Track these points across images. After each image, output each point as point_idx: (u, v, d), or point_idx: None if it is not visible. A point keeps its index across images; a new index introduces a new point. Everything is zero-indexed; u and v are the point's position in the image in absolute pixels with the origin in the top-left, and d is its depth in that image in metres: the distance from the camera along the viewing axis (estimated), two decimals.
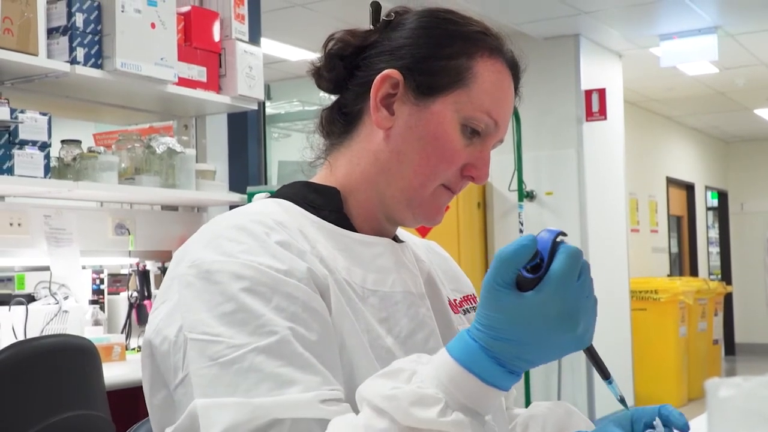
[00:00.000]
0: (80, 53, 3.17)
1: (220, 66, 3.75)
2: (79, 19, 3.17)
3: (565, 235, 0.90)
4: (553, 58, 6.70)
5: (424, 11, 1.18)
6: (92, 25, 3.21)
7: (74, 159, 3.35)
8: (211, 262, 1.01)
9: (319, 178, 1.21)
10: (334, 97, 1.23)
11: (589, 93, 6.80)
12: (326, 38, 1.20)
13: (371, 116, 1.16)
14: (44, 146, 3.10)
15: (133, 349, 3.55)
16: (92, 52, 3.21)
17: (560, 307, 0.87)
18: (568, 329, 0.88)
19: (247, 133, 4.58)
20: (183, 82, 3.54)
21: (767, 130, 11.28)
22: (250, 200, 3.76)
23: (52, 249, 3.35)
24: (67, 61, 3.16)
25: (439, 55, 1.14)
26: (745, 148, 12.11)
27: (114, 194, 3.54)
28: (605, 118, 6.82)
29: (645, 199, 9.49)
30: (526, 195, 6.70)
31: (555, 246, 0.88)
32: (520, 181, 6.59)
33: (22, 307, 3.15)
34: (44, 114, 3.12)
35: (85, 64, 3.18)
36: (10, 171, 3.01)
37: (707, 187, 11.69)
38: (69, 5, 3.16)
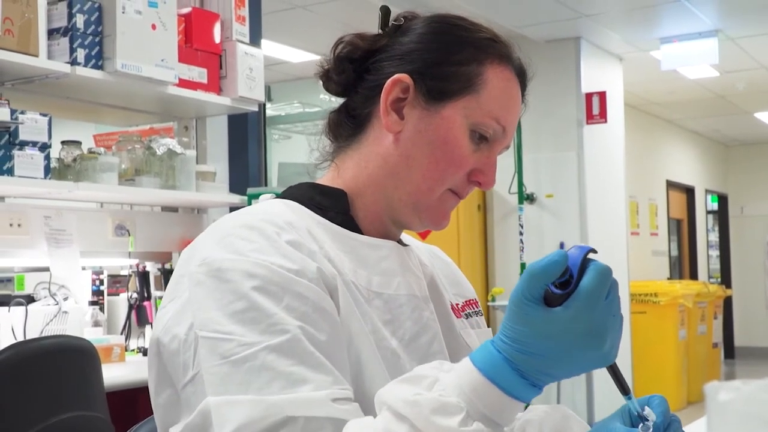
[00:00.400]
0: (81, 54, 3.17)
1: (221, 67, 3.75)
2: (79, 20, 3.17)
3: (594, 251, 0.90)
4: (554, 61, 6.70)
5: (434, 17, 1.19)
6: (93, 26, 3.21)
7: (74, 160, 3.35)
8: (221, 260, 1.02)
9: (326, 179, 1.21)
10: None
11: (589, 96, 6.81)
12: (335, 41, 1.21)
13: (380, 120, 1.16)
14: (44, 147, 3.10)
15: (133, 350, 3.55)
16: (93, 53, 3.21)
17: (588, 324, 0.88)
18: (596, 347, 0.89)
19: (247, 134, 4.58)
20: (183, 83, 3.54)
21: (767, 134, 11.28)
22: (250, 202, 3.78)
23: (51, 250, 3.35)
24: (68, 62, 3.16)
25: (450, 61, 1.15)
26: (746, 152, 12.12)
27: (114, 195, 3.54)
28: (606, 121, 6.82)
29: (645, 202, 9.49)
30: (526, 198, 6.70)
31: (585, 262, 0.89)
32: (521, 184, 6.59)
33: (22, 308, 3.14)
34: (44, 115, 3.12)
35: (85, 65, 3.18)
36: (10, 172, 3.01)
37: (707, 191, 11.69)
38: (70, 6, 3.16)
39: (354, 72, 1.19)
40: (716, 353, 8.95)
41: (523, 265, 6.52)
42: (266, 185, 5.00)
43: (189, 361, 1.01)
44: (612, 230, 7.14)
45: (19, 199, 3.48)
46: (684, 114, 10.01)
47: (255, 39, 4.21)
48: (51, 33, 3.18)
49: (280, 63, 7.02)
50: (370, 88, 1.18)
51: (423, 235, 5.03)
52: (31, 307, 3.19)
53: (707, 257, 11.71)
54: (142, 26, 3.30)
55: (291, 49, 6.73)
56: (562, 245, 6.71)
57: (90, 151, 3.44)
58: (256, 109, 4.00)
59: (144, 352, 3.50)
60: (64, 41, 3.17)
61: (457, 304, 1.28)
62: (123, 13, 3.24)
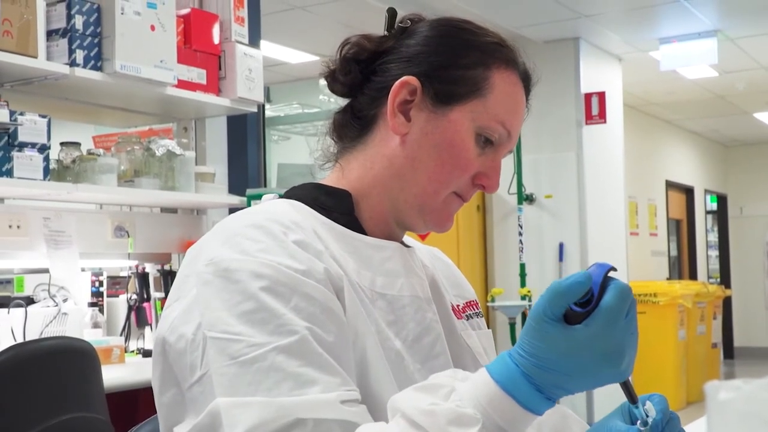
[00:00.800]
0: (80, 55, 3.17)
1: (220, 68, 3.75)
2: (78, 21, 3.17)
3: (615, 270, 0.91)
4: (553, 61, 6.70)
5: (441, 20, 1.20)
6: (92, 28, 3.21)
7: (73, 161, 3.34)
8: (229, 260, 1.02)
9: (330, 180, 1.22)
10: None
11: (588, 96, 6.81)
12: (341, 42, 1.21)
13: (386, 121, 1.17)
14: (43, 148, 3.10)
15: (133, 351, 3.55)
16: (92, 54, 3.21)
17: (608, 343, 0.89)
18: (614, 364, 0.90)
19: (246, 135, 4.58)
20: (182, 84, 3.54)
21: (767, 134, 11.28)
22: (249, 203, 3.78)
23: (51, 251, 3.35)
24: (67, 64, 3.15)
25: (457, 65, 1.15)
26: (745, 152, 12.12)
27: (113, 197, 3.54)
28: (605, 122, 6.83)
29: (644, 203, 9.49)
30: (525, 198, 6.70)
31: (605, 281, 0.89)
32: (520, 184, 6.59)
33: (21, 310, 3.14)
34: (43, 116, 3.11)
35: (84, 67, 3.18)
36: (9, 173, 3.00)
37: (706, 191, 11.69)
38: (68, 7, 3.16)
39: (360, 73, 1.19)
40: (716, 353, 8.95)
41: (522, 266, 6.53)
42: (265, 186, 5.00)
43: (197, 361, 1.01)
44: (611, 230, 7.14)
45: (19, 201, 3.47)
46: (683, 114, 10.02)
47: (254, 40, 4.21)
48: (50, 34, 3.18)
49: (279, 64, 7.02)
50: (377, 90, 1.18)
51: (423, 236, 5.03)
52: (31, 308, 3.18)
53: (706, 257, 11.71)
54: (141, 27, 3.29)
55: (290, 50, 6.74)
56: (561, 246, 6.72)
57: (89, 153, 3.43)
58: (255, 110, 4.00)
59: (144, 353, 3.50)
60: (63, 42, 3.17)
61: (457, 306, 1.28)
62: (122, 14, 3.23)
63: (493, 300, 6.39)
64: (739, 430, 0.61)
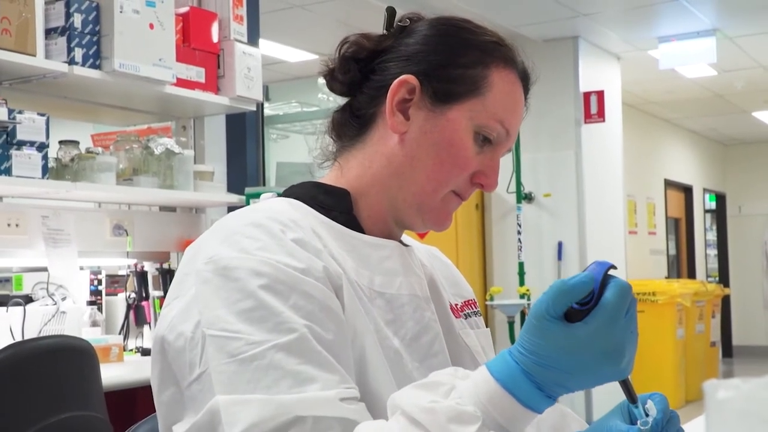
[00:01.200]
0: (78, 54, 3.17)
1: (219, 67, 3.75)
2: (77, 20, 3.16)
3: (615, 268, 0.91)
4: (552, 60, 6.70)
5: (439, 19, 1.20)
6: (90, 26, 3.21)
7: (72, 160, 3.34)
8: (228, 258, 1.02)
9: (329, 179, 1.22)
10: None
11: (587, 95, 6.81)
12: (340, 41, 1.21)
13: (385, 120, 1.17)
14: (42, 147, 3.10)
15: (131, 350, 3.55)
16: (90, 52, 3.21)
17: (608, 340, 0.89)
18: (614, 362, 0.90)
19: (245, 134, 4.58)
20: (181, 82, 3.54)
21: (765, 133, 11.28)
22: (248, 201, 3.78)
23: (49, 250, 3.35)
24: (65, 62, 3.15)
25: (456, 64, 1.15)
26: (744, 151, 12.12)
27: (112, 195, 3.54)
28: (604, 121, 6.83)
29: (643, 201, 9.49)
30: (524, 197, 6.70)
31: (605, 279, 0.90)
32: (519, 183, 6.59)
33: (20, 308, 3.14)
34: (42, 114, 3.11)
35: (83, 65, 3.18)
36: (7, 172, 3.00)
37: (705, 190, 11.70)
38: (67, 6, 3.16)
39: (359, 72, 1.20)
40: (714, 352, 8.96)
41: (521, 265, 6.53)
42: (264, 185, 5.00)
43: (195, 359, 1.01)
44: (610, 229, 7.15)
45: (17, 199, 3.47)
46: (682, 113, 10.02)
47: (253, 38, 4.20)
48: (48, 32, 3.18)
49: (278, 62, 7.02)
50: (376, 89, 1.18)
51: (422, 235, 5.03)
52: (29, 307, 3.18)
53: (705, 256, 11.72)
54: (139, 26, 3.29)
55: (289, 48, 6.73)
56: (560, 245, 6.72)
57: (88, 151, 3.43)
58: (254, 108, 4.00)
59: (142, 351, 3.50)
60: (62, 41, 3.16)
61: (456, 305, 1.28)
62: (121, 12, 3.23)
63: (492, 299, 6.39)
64: (737, 428, 0.61)
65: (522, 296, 6.27)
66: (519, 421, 0.90)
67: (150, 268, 3.68)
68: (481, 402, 0.89)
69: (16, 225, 3.28)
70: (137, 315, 3.60)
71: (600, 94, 6.80)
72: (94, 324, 3.39)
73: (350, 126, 1.21)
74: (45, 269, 3.36)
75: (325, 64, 1.22)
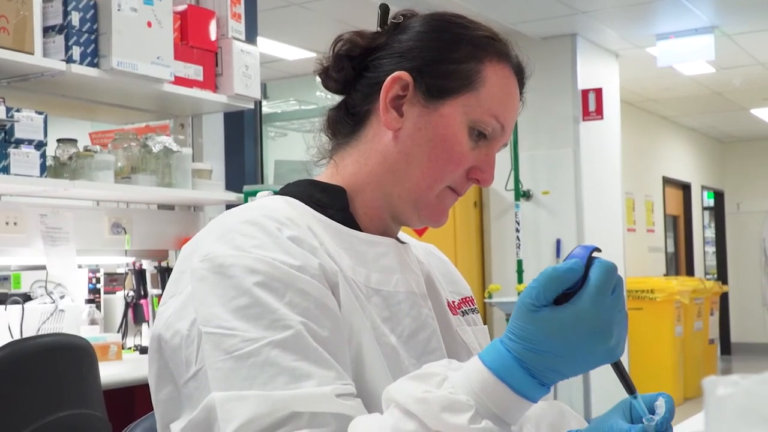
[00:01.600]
0: (76, 52, 3.16)
1: (217, 65, 3.75)
2: (75, 18, 3.16)
3: (599, 250, 0.92)
4: (550, 57, 6.70)
5: (433, 15, 1.20)
6: (88, 24, 3.21)
7: (70, 158, 3.34)
8: (224, 256, 1.02)
9: (325, 176, 1.22)
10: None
11: (585, 92, 6.81)
12: (334, 39, 1.21)
13: (379, 117, 1.17)
14: (40, 145, 3.10)
15: (130, 348, 3.55)
16: (88, 50, 3.21)
17: (595, 320, 0.90)
18: (602, 342, 0.91)
19: (243, 132, 4.58)
20: (179, 81, 3.53)
21: (764, 130, 11.29)
22: (246, 199, 3.78)
23: (48, 248, 3.35)
24: (63, 60, 3.15)
25: (449, 59, 1.15)
26: (742, 148, 12.13)
27: (110, 193, 3.54)
28: (602, 118, 6.83)
29: (641, 199, 9.49)
30: (522, 194, 6.70)
31: (590, 261, 0.91)
32: (517, 181, 6.59)
33: (18, 306, 3.14)
34: (40, 113, 3.11)
35: (81, 63, 3.18)
36: (6, 170, 3.00)
37: (703, 187, 11.70)
38: (65, 4, 3.16)
39: (353, 69, 1.20)
40: (712, 349, 8.97)
41: (519, 262, 6.53)
42: (262, 183, 5.00)
43: (192, 356, 1.02)
44: (608, 227, 7.15)
45: (15, 198, 3.47)
46: (680, 110, 10.02)
47: (251, 36, 4.20)
48: (46, 30, 3.17)
49: (276, 60, 7.01)
50: (370, 86, 1.18)
51: (420, 232, 5.03)
52: (28, 305, 3.18)
53: (703, 253, 11.72)
54: (137, 24, 3.29)
55: (287, 46, 6.73)
56: (558, 243, 6.72)
57: (86, 149, 3.43)
58: (252, 106, 4.00)
59: (141, 350, 3.50)
60: (60, 39, 3.16)
61: (453, 302, 1.28)
62: (118, 10, 3.23)
63: (490, 296, 6.39)
64: (737, 425, 0.61)
65: (520, 294, 6.26)
66: (513, 409, 0.90)
67: (148, 266, 3.68)
68: (473, 391, 0.89)
69: (15, 223, 3.28)
70: (136, 313, 3.60)
71: (598, 92, 6.80)
72: (93, 322, 3.39)
73: (345, 123, 1.21)
74: (43, 267, 3.36)
75: (319, 62, 1.22)
